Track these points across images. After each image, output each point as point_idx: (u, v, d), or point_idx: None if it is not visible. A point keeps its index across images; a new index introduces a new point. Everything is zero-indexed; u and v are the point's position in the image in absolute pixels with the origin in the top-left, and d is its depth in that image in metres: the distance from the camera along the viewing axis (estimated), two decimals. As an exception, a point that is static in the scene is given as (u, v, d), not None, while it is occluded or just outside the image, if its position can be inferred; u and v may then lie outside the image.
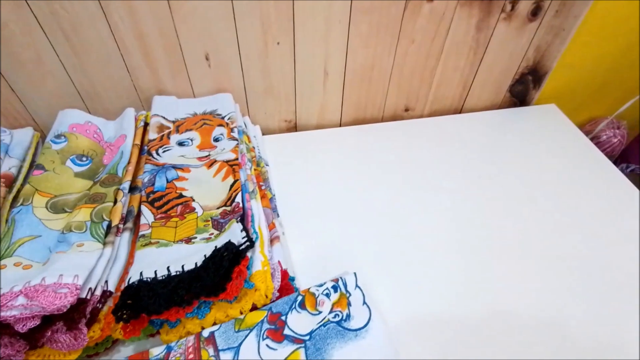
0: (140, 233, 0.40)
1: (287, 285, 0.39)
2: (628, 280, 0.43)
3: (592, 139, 0.70)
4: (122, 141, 0.48)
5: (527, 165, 0.57)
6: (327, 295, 0.36)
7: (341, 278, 0.38)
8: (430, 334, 0.38)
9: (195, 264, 0.35)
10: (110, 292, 0.36)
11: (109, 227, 0.39)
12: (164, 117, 0.51)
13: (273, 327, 0.34)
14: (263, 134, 0.59)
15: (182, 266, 0.35)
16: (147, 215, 0.41)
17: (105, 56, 0.48)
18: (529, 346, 0.38)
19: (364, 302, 0.36)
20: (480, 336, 0.38)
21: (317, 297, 0.36)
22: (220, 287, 0.34)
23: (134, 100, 0.53)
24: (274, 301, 0.37)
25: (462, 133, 0.61)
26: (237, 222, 0.39)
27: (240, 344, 0.33)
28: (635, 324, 0.40)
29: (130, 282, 0.34)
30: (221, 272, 0.34)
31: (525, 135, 0.61)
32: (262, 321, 0.34)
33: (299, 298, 0.36)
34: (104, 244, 0.38)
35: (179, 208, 0.42)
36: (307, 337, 0.34)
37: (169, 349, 0.33)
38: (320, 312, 0.35)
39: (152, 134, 0.49)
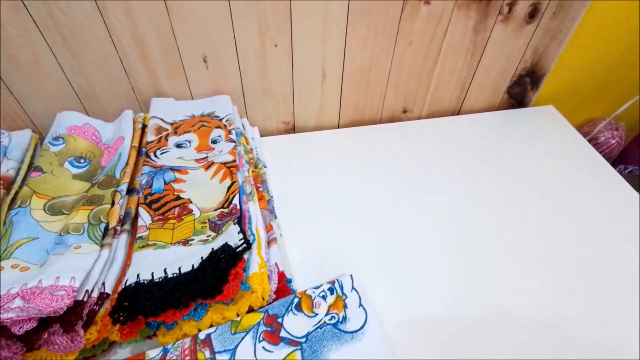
0: (138, 235, 0.40)
1: (284, 287, 0.39)
2: (626, 281, 0.43)
3: (590, 140, 0.70)
4: (120, 143, 0.48)
5: (525, 166, 0.57)
6: (324, 297, 0.36)
7: (337, 280, 0.38)
8: (427, 335, 0.38)
9: (192, 266, 0.36)
10: (108, 294, 0.36)
11: (106, 229, 0.39)
12: (162, 119, 0.51)
13: (269, 329, 0.34)
14: (261, 136, 0.59)
15: (179, 268, 0.35)
16: (145, 217, 0.41)
17: (103, 58, 0.48)
18: (527, 347, 0.38)
19: (360, 304, 0.36)
20: (478, 338, 0.38)
21: (314, 299, 0.36)
22: (216, 289, 0.34)
23: (132, 102, 0.53)
24: (270, 303, 0.37)
25: (460, 135, 0.61)
26: (235, 224, 0.40)
27: (236, 346, 0.33)
28: (634, 324, 0.40)
29: (127, 284, 0.34)
30: (218, 274, 0.34)
31: (524, 137, 0.61)
32: (258, 323, 0.34)
33: (296, 300, 0.36)
34: (102, 246, 0.38)
35: (177, 210, 0.42)
36: (303, 340, 0.34)
37: (165, 351, 0.33)
38: (316, 314, 0.35)
39: (150, 136, 0.49)
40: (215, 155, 0.47)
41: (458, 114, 0.66)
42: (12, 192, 0.43)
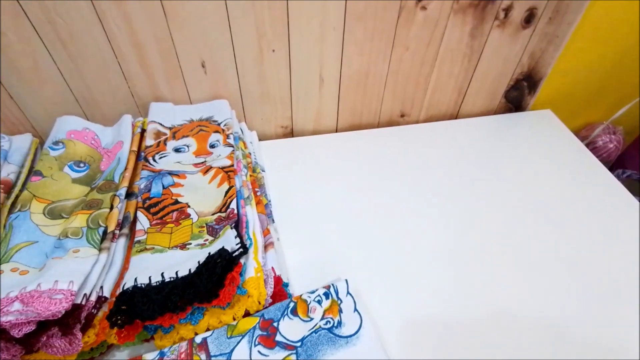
0: (136, 239, 0.40)
1: (280, 291, 0.40)
2: (624, 284, 0.43)
3: (588, 145, 0.70)
4: (119, 147, 0.48)
5: (522, 170, 0.57)
6: (319, 302, 0.37)
7: (333, 285, 0.38)
8: (424, 339, 0.39)
9: (189, 270, 0.36)
10: (106, 298, 0.36)
11: (105, 233, 0.40)
12: (161, 124, 0.52)
13: (265, 333, 0.34)
14: (259, 140, 0.60)
15: (176, 272, 0.36)
16: (143, 221, 0.42)
17: (102, 63, 0.49)
18: (524, 350, 0.38)
19: (355, 309, 0.36)
20: (475, 343, 0.38)
21: (309, 303, 0.37)
22: (213, 293, 0.34)
23: (131, 106, 0.54)
24: (266, 307, 0.37)
25: (458, 139, 0.62)
26: (232, 228, 0.40)
27: (232, 350, 0.33)
28: (633, 326, 0.40)
29: (125, 288, 0.35)
30: (214, 278, 0.35)
31: (521, 141, 0.62)
32: (254, 327, 0.35)
33: (291, 304, 0.37)
34: (100, 249, 0.38)
35: (175, 214, 0.43)
36: (298, 344, 0.34)
37: (162, 355, 0.33)
38: (311, 319, 0.36)
39: (149, 141, 0.50)
40: (214, 160, 0.48)
41: (456, 118, 0.67)
42: (13, 196, 0.43)
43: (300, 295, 0.38)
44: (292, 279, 0.43)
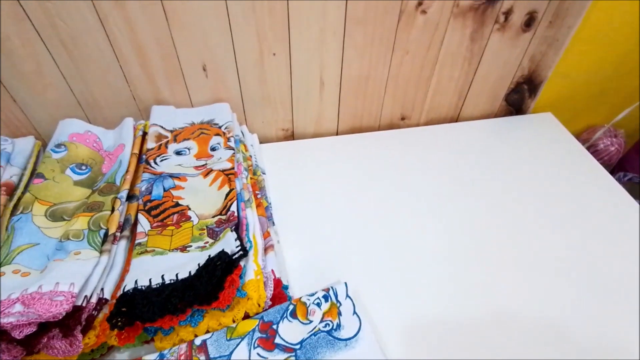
0: (137, 241, 0.41)
1: (280, 293, 0.40)
2: (623, 287, 0.43)
3: (589, 147, 0.70)
4: (121, 150, 0.49)
5: (523, 173, 0.57)
6: (318, 304, 0.37)
7: (332, 288, 0.38)
8: (423, 342, 0.39)
9: (189, 272, 0.36)
10: (106, 300, 0.37)
11: (106, 235, 0.40)
12: (162, 127, 0.52)
13: (264, 335, 0.35)
14: (260, 143, 0.60)
15: (177, 275, 0.36)
16: (144, 224, 0.42)
17: (104, 67, 0.49)
18: (523, 355, 0.38)
19: (354, 312, 0.36)
20: (474, 345, 0.38)
21: (308, 306, 0.37)
22: (212, 295, 0.35)
23: (132, 109, 0.54)
24: (266, 310, 0.37)
25: (459, 141, 0.62)
26: (232, 231, 0.40)
27: (231, 352, 0.33)
28: (633, 329, 0.40)
29: (125, 290, 0.35)
30: (214, 281, 0.35)
31: (522, 144, 0.62)
32: (253, 330, 0.35)
33: (291, 307, 0.37)
34: (101, 252, 0.38)
35: (175, 217, 0.43)
36: (297, 346, 0.34)
37: (162, 356, 0.33)
38: (311, 322, 0.36)
39: (150, 143, 0.50)
40: (214, 163, 0.48)
41: (456, 121, 0.67)
42: (15, 198, 0.44)
43: (300, 298, 0.38)
44: (292, 281, 0.43)
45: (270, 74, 0.54)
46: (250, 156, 0.54)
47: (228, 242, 0.39)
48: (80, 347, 0.33)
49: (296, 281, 0.43)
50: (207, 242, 0.40)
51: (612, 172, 0.73)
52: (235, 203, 0.43)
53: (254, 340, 0.34)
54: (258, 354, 0.33)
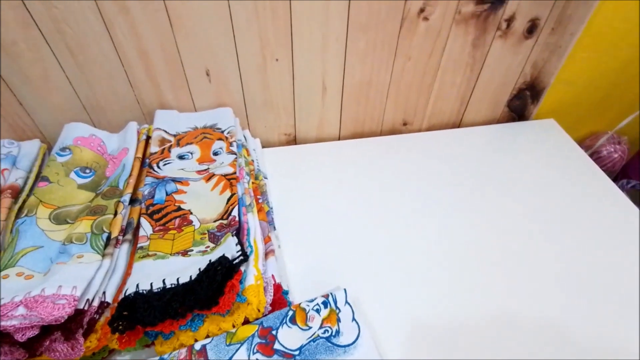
0: (139, 245, 0.41)
1: (280, 298, 0.40)
2: (625, 295, 0.43)
3: (592, 154, 0.70)
4: (125, 154, 0.49)
5: (525, 179, 0.57)
6: (317, 310, 0.37)
7: (331, 294, 0.38)
8: (423, 350, 0.39)
9: (190, 277, 0.36)
10: (108, 303, 0.37)
11: (108, 238, 0.40)
12: (166, 131, 0.53)
13: (264, 341, 0.35)
14: (263, 147, 0.60)
15: (177, 279, 0.36)
16: (146, 228, 0.43)
17: (109, 72, 0.50)
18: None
19: (354, 319, 0.37)
20: (475, 352, 0.38)
21: (308, 312, 0.37)
22: (213, 300, 0.35)
23: (137, 113, 0.55)
24: (266, 315, 0.37)
25: (461, 147, 0.62)
26: (233, 235, 0.40)
27: (230, 358, 0.34)
28: (633, 332, 0.39)
29: (127, 294, 0.35)
30: (214, 286, 0.35)
31: (524, 150, 0.62)
32: (253, 335, 0.35)
33: (290, 313, 0.37)
34: (103, 255, 0.39)
35: (177, 221, 0.43)
36: (296, 352, 0.34)
37: (162, 361, 0.34)
38: (310, 328, 0.36)
39: (153, 147, 0.51)
40: (216, 167, 0.48)
41: (458, 127, 0.67)
42: (20, 201, 0.44)
43: (299, 304, 0.38)
44: (293, 286, 0.43)
45: (272, 79, 0.54)
46: (253, 161, 0.54)
47: (229, 247, 0.39)
48: (81, 350, 0.34)
49: (296, 286, 0.43)
50: (208, 247, 0.41)
51: (615, 179, 0.72)
52: (236, 208, 0.44)
53: (253, 345, 0.34)
54: (257, 359, 0.34)
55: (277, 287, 0.40)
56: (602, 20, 0.55)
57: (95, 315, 0.36)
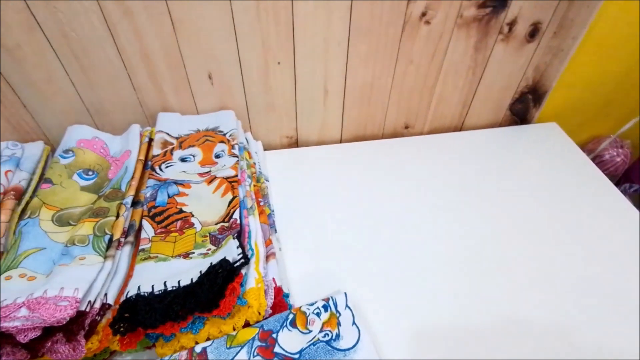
0: (141, 247, 0.41)
1: (281, 302, 0.40)
2: (628, 298, 0.43)
3: (595, 158, 0.70)
4: (127, 156, 0.50)
5: (527, 183, 0.57)
6: (318, 314, 0.37)
7: (332, 297, 0.39)
8: (422, 354, 0.39)
9: (191, 279, 0.36)
10: (109, 305, 0.37)
11: (110, 240, 0.40)
12: (168, 134, 0.53)
13: (264, 344, 0.35)
14: (265, 149, 0.61)
15: (179, 281, 0.36)
16: (148, 230, 0.43)
17: (112, 75, 0.50)
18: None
19: (354, 323, 0.37)
20: (475, 358, 0.38)
21: (308, 315, 0.37)
22: (213, 303, 0.35)
23: (139, 116, 0.55)
24: (266, 318, 0.37)
25: (462, 150, 0.62)
26: (234, 238, 0.41)
27: (231, 360, 0.34)
28: (634, 334, 0.39)
29: (128, 296, 0.35)
30: (215, 288, 0.35)
31: (526, 154, 0.62)
32: (253, 338, 0.35)
33: (290, 316, 0.37)
34: (105, 257, 0.39)
35: (179, 223, 0.44)
36: (297, 356, 0.34)
37: (163, 363, 0.34)
38: (310, 331, 0.36)
39: (156, 150, 0.51)
40: (218, 170, 0.49)
41: (460, 130, 0.67)
42: (23, 202, 0.44)
43: (300, 307, 0.38)
44: (293, 288, 0.43)
45: (274, 82, 0.55)
46: (254, 163, 0.54)
47: (230, 250, 0.39)
48: (83, 351, 0.34)
49: (297, 289, 0.43)
50: (209, 249, 0.41)
51: (618, 183, 0.72)
52: (237, 211, 0.44)
53: (253, 348, 0.34)
54: (257, 362, 0.34)
55: (278, 290, 0.40)
56: (605, 24, 0.55)
57: (96, 317, 0.36)
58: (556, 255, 0.48)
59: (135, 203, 0.46)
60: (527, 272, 0.46)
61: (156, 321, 0.34)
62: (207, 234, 0.42)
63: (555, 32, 0.55)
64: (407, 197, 0.54)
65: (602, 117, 0.69)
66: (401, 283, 0.44)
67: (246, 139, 0.57)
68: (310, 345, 0.35)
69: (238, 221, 0.43)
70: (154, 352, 0.37)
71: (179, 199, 0.46)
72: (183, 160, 0.50)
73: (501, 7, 0.51)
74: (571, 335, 0.40)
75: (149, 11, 0.45)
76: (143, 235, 0.42)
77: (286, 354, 0.34)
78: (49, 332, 0.33)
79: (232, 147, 0.52)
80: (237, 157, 0.50)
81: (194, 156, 0.51)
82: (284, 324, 0.36)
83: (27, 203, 0.44)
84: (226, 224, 0.43)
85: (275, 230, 0.49)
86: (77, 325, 0.34)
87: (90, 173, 0.48)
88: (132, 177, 0.47)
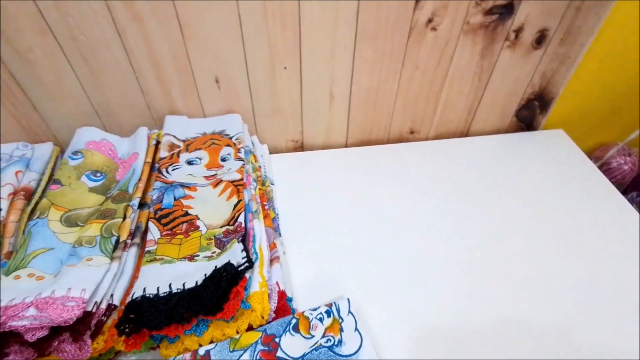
0: (147, 249, 0.42)
1: (284, 306, 0.40)
2: (630, 305, 0.43)
3: (602, 166, 0.69)
4: (135, 159, 0.50)
5: (532, 189, 0.56)
6: (321, 319, 0.37)
7: (335, 303, 0.39)
8: (425, 354, 0.39)
9: (196, 282, 0.37)
10: (115, 306, 0.38)
11: (117, 242, 0.41)
12: (175, 136, 0.53)
13: (267, 348, 0.35)
14: (270, 153, 0.61)
15: (183, 284, 0.37)
16: (154, 232, 0.43)
17: (121, 78, 0.51)
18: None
19: (356, 329, 0.37)
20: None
21: (311, 321, 0.37)
22: (218, 306, 0.35)
23: (147, 119, 0.56)
24: (270, 322, 0.38)
25: (468, 156, 0.62)
26: (239, 242, 0.41)
27: (234, 363, 0.34)
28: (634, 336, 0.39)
29: (134, 298, 0.36)
30: (219, 292, 0.36)
31: (532, 160, 0.61)
32: (256, 342, 0.35)
33: (293, 321, 0.37)
34: (112, 258, 0.40)
35: (184, 226, 0.44)
36: (299, 360, 0.35)
37: (167, 365, 0.34)
38: (313, 336, 0.36)
39: (163, 152, 0.51)
40: (224, 173, 0.49)
41: (466, 136, 0.67)
42: (32, 203, 0.45)
43: (303, 312, 0.38)
44: (297, 293, 0.44)
45: (281, 86, 0.55)
46: (260, 167, 0.55)
47: (234, 253, 0.39)
48: (89, 351, 0.34)
49: (300, 293, 0.44)
50: (214, 252, 0.41)
51: (625, 191, 0.71)
52: (242, 214, 0.44)
53: (256, 352, 0.35)
54: (260, 366, 0.34)
55: (281, 294, 0.40)
56: (612, 31, 0.54)
57: (102, 318, 0.36)
58: (561, 260, 0.47)
59: (142, 205, 0.46)
60: (532, 278, 0.46)
61: (161, 323, 0.34)
62: (212, 237, 0.43)
63: (563, 39, 0.55)
64: (412, 202, 0.54)
65: (609, 125, 0.69)
66: (405, 289, 0.44)
67: (252, 143, 0.58)
68: (312, 350, 0.35)
69: (243, 225, 0.43)
70: (158, 353, 0.38)
71: (185, 202, 0.46)
72: (189, 163, 0.51)
73: (508, 14, 0.51)
74: (571, 335, 0.40)
75: (157, 16, 0.46)
76: (149, 237, 0.43)
77: (288, 358, 0.35)
78: (55, 331, 0.34)
79: (238, 150, 0.52)
80: (243, 160, 0.51)
81: (200, 159, 0.51)
82: (287, 329, 0.36)
83: (37, 203, 0.45)
84: (231, 227, 0.43)
85: (280, 233, 0.50)
86: (83, 325, 0.34)
87: (98, 174, 0.49)
88: (139, 179, 0.48)
